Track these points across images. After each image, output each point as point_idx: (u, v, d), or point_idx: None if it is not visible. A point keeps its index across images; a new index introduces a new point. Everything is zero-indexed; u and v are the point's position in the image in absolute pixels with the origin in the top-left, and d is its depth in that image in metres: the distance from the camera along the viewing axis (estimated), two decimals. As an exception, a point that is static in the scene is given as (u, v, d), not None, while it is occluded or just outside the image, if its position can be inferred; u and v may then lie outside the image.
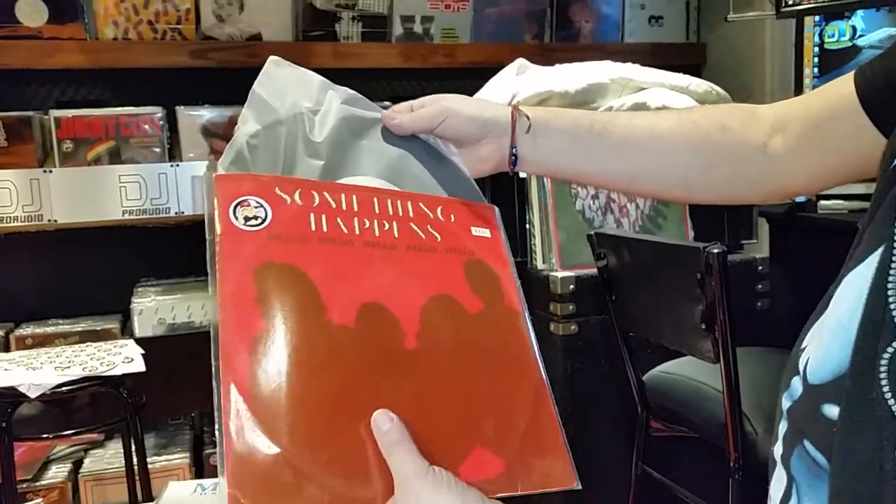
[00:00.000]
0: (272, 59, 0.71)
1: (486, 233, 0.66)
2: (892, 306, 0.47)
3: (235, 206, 0.57)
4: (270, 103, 0.68)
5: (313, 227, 0.58)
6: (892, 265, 0.48)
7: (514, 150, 0.72)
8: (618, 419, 1.70)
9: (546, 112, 0.74)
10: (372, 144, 0.68)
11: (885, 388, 0.46)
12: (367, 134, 0.69)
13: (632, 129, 0.76)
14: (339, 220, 0.59)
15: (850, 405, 0.49)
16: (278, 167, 0.62)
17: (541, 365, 0.61)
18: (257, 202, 0.57)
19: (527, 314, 0.63)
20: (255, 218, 0.56)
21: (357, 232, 0.59)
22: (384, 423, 0.55)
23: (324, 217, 0.58)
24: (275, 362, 0.52)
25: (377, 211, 0.61)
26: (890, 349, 0.46)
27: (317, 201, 0.59)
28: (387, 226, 0.60)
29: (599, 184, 0.81)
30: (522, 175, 1.72)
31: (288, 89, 0.69)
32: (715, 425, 1.37)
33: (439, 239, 0.62)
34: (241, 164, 0.61)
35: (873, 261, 0.51)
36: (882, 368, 0.47)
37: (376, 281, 0.57)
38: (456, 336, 0.58)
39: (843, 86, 0.68)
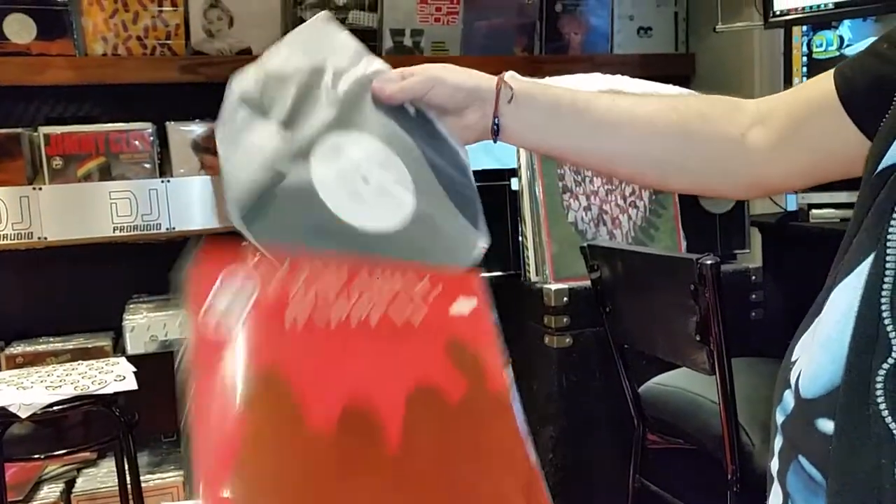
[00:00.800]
0: (323, 14, 0.74)
1: (471, 303, 0.64)
2: (885, 321, 0.47)
3: (212, 298, 0.55)
4: (300, 51, 0.71)
5: (293, 319, 0.56)
6: (886, 279, 0.48)
7: (496, 120, 0.73)
8: (614, 432, 1.69)
9: (532, 85, 0.75)
10: (381, 106, 0.71)
11: (882, 406, 0.46)
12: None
13: (612, 109, 0.76)
14: (319, 307, 0.57)
15: (846, 422, 0.48)
16: (284, 110, 0.66)
17: (531, 455, 0.59)
18: (235, 290, 0.55)
19: (513, 391, 0.62)
20: (231, 312, 0.54)
21: (338, 319, 0.57)
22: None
23: (304, 306, 0.57)
24: (253, 486, 0.51)
25: (359, 292, 0.59)
26: (885, 366, 0.46)
27: (298, 285, 0.57)
28: (368, 309, 0.58)
29: (576, 161, 0.82)
30: (515, 187, 1.72)
31: (324, 43, 0.73)
32: (711, 437, 1.36)
33: (422, 319, 0.60)
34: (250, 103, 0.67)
35: (862, 272, 0.51)
36: (878, 386, 0.46)
37: (357, 374, 0.56)
38: (440, 434, 0.57)
39: (824, 84, 0.68)
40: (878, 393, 0.46)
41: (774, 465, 0.59)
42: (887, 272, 0.48)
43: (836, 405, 0.49)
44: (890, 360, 0.46)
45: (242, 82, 0.69)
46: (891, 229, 0.48)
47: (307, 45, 0.72)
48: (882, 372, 0.46)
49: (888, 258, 0.48)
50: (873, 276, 0.50)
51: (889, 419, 0.46)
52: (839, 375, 0.50)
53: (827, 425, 0.51)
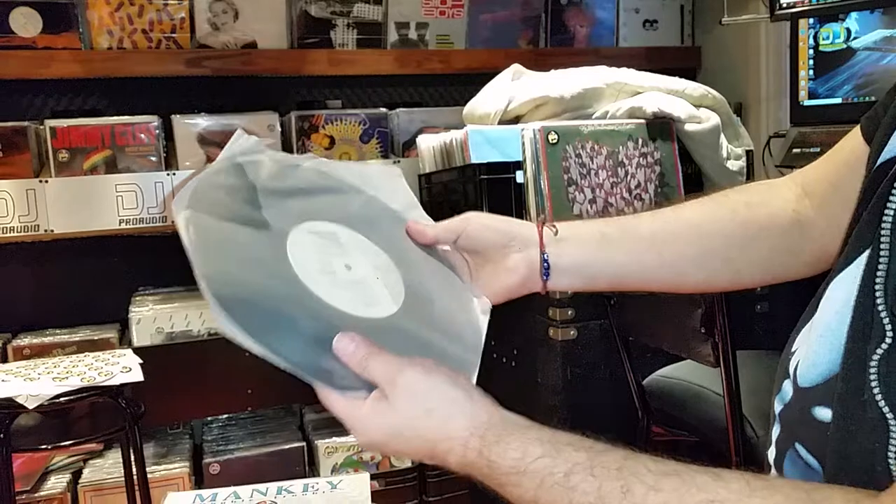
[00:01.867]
0: (396, 169, 0.75)
1: None
2: (879, 307, 0.47)
3: None
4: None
5: None
6: (880, 266, 0.48)
7: (546, 257, 0.69)
8: (618, 424, 1.69)
9: (570, 223, 0.73)
10: (407, 243, 0.71)
11: (876, 391, 0.47)
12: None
13: (659, 220, 0.75)
14: None
15: (843, 408, 0.49)
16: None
17: None
18: None
19: None
20: None
21: None
22: (348, 344, 0.56)
23: None
24: None
25: None
26: (879, 350, 0.47)
27: None
28: None
29: (641, 284, 0.76)
30: (520, 180, 1.72)
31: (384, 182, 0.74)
32: (716, 429, 1.36)
33: None
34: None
35: (861, 263, 0.51)
36: (872, 371, 0.47)
37: None
38: None
39: (853, 138, 0.69)
40: (873, 378, 0.47)
41: (772, 453, 0.59)
42: (881, 259, 0.48)
43: (833, 393, 0.50)
44: (883, 346, 0.46)
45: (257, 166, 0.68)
46: (885, 217, 0.49)
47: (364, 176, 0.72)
48: (876, 357, 0.47)
49: (882, 246, 0.48)
50: (870, 263, 0.50)
51: (882, 403, 0.46)
52: (837, 364, 0.50)
53: (824, 413, 0.52)
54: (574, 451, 0.52)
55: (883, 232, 0.48)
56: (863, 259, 0.51)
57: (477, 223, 0.70)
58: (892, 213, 0.48)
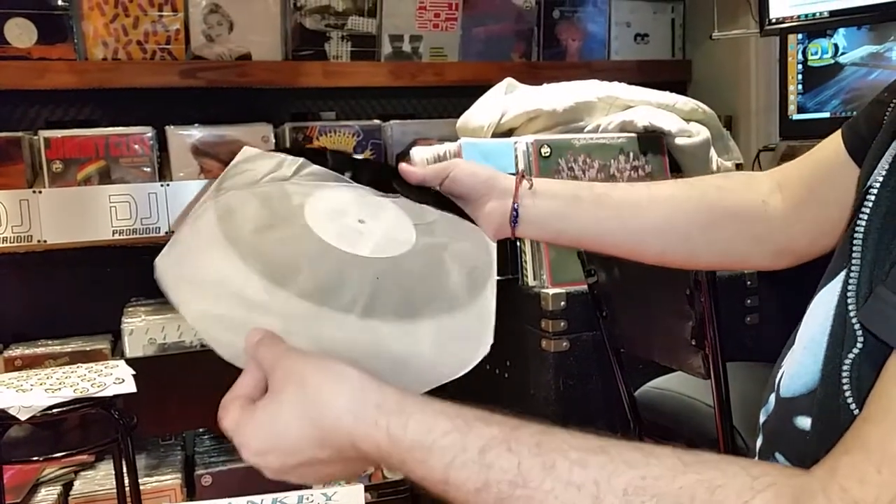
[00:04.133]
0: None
1: None
2: (851, 314, 0.49)
3: None
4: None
5: None
6: (851, 275, 0.50)
7: (515, 206, 0.75)
8: (610, 434, 1.70)
9: (549, 180, 0.78)
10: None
11: (848, 395, 0.48)
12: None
13: (631, 192, 0.78)
14: None
15: (821, 414, 0.50)
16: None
17: None
18: None
19: None
20: None
21: None
22: (254, 335, 0.55)
23: None
24: None
25: None
26: (850, 356, 0.48)
27: None
28: None
29: (601, 247, 0.81)
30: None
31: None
32: (707, 440, 1.38)
33: None
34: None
35: (841, 277, 0.53)
36: (845, 375, 0.48)
37: None
38: None
39: (833, 141, 0.71)
40: (845, 383, 0.48)
41: None
42: (853, 268, 0.49)
43: (814, 402, 0.51)
44: (855, 351, 0.48)
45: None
46: (857, 228, 0.50)
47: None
48: (847, 362, 0.48)
49: (853, 253, 0.50)
50: (846, 276, 0.52)
51: (853, 407, 0.47)
52: (819, 374, 0.52)
53: (804, 422, 0.53)
54: (486, 426, 0.47)
55: (855, 242, 0.50)
56: (843, 274, 0.53)
57: (463, 168, 0.75)
58: (863, 224, 0.50)
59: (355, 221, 0.65)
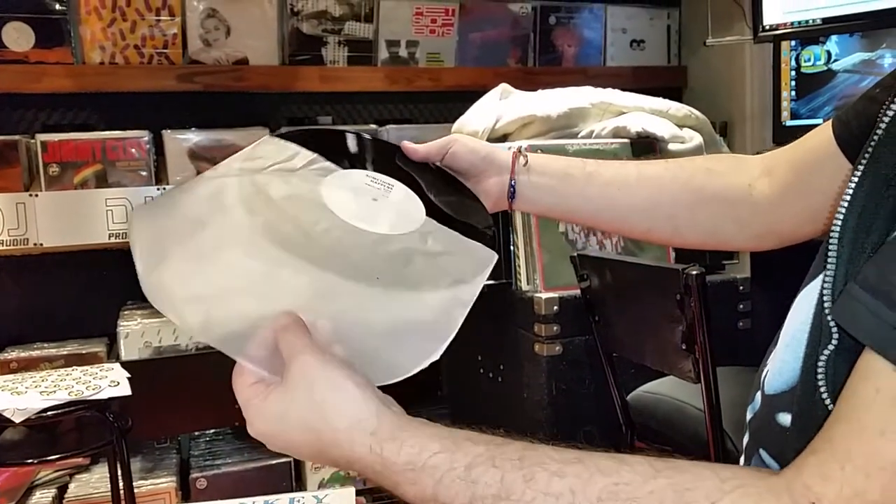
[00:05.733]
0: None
1: None
2: (826, 311, 0.50)
3: None
4: None
5: None
6: (827, 274, 0.50)
7: (512, 182, 0.78)
8: (603, 438, 1.71)
9: (544, 156, 0.81)
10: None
11: (823, 391, 0.49)
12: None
13: (620, 170, 0.81)
14: None
15: (800, 411, 0.51)
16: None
17: None
18: None
19: None
20: None
21: None
22: (281, 318, 0.56)
23: None
24: None
25: None
26: (826, 352, 0.49)
27: None
28: None
29: (590, 223, 0.86)
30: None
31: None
32: (697, 444, 1.38)
33: None
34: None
35: (822, 276, 0.54)
36: (820, 371, 0.49)
37: None
38: None
39: (823, 131, 0.72)
40: (820, 379, 0.49)
41: (741, 461, 0.62)
42: (828, 266, 0.50)
43: (794, 398, 0.52)
44: (830, 347, 0.49)
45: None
46: (834, 226, 0.51)
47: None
48: (823, 359, 0.49)
49: (829, 251, 0.50)
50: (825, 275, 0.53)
51: (828, 402, 0.48)
52: (799, 371, 0.53)
53: (786, 418, 0.54)
54: (473, 445, 0.50)
55: (831, 241, 0.51)
56: (823, 273, 0.54)
57: (462, 144, 0.78)
58: (839, 222, 0.51)
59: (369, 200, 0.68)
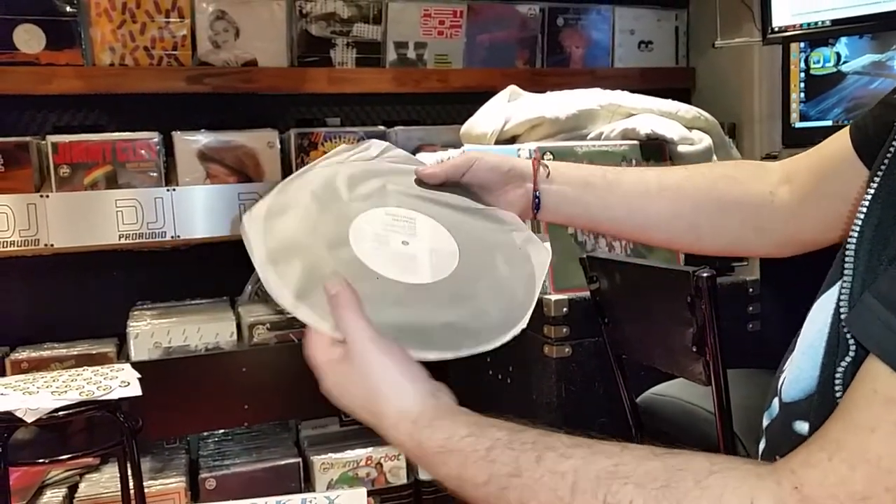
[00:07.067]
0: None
1: None
2: (843, 322, 0.50)
3: None
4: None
5: None
6: (844, 285, 0.51)
7: (537, 193, 0.78)
8: (612, 440, 1.71)
9: (563, 164, 0.81)
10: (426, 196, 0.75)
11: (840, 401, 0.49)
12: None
13: (641, 178, 0.81)
14: None
15: (818, 420, 0.51)
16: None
17: None
18: None
19: None
20: None
21: None
22: (332, 286, 0.60)
23: None
24: None
25: None
26: (843, 364, 0.49)
27: None
28: None
29: (612, 231, 0.87)
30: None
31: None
32: (707, 447, 1.38)
33: None
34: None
35: (839, 285, 0.54)
36: (837, 383, 0.50)
37: None
38: None
39: (841, 137, 0.72)
40: (838, 390, 0.49)
41: None
42: (846, 275, 0.50)
43: (812, 407, 0.52)
44: (847, 359, 0.49)
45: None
46: (850, 237, 0.51)
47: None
48: (840, 370, 0.49)
49: (846, 263, 0.51)
50: (842, 286, 0.53)
51: None
52: (816, 379, 0.53)
53: (802, 426, 0.54)
54: (497, 430, 0.56)
55: (847, 252, 0.51)
56: (840, 283, 0.54)
57: (485, 162, 0.78)
58: (856, 234, 0.51)
59: (399, 244, 0.68)
